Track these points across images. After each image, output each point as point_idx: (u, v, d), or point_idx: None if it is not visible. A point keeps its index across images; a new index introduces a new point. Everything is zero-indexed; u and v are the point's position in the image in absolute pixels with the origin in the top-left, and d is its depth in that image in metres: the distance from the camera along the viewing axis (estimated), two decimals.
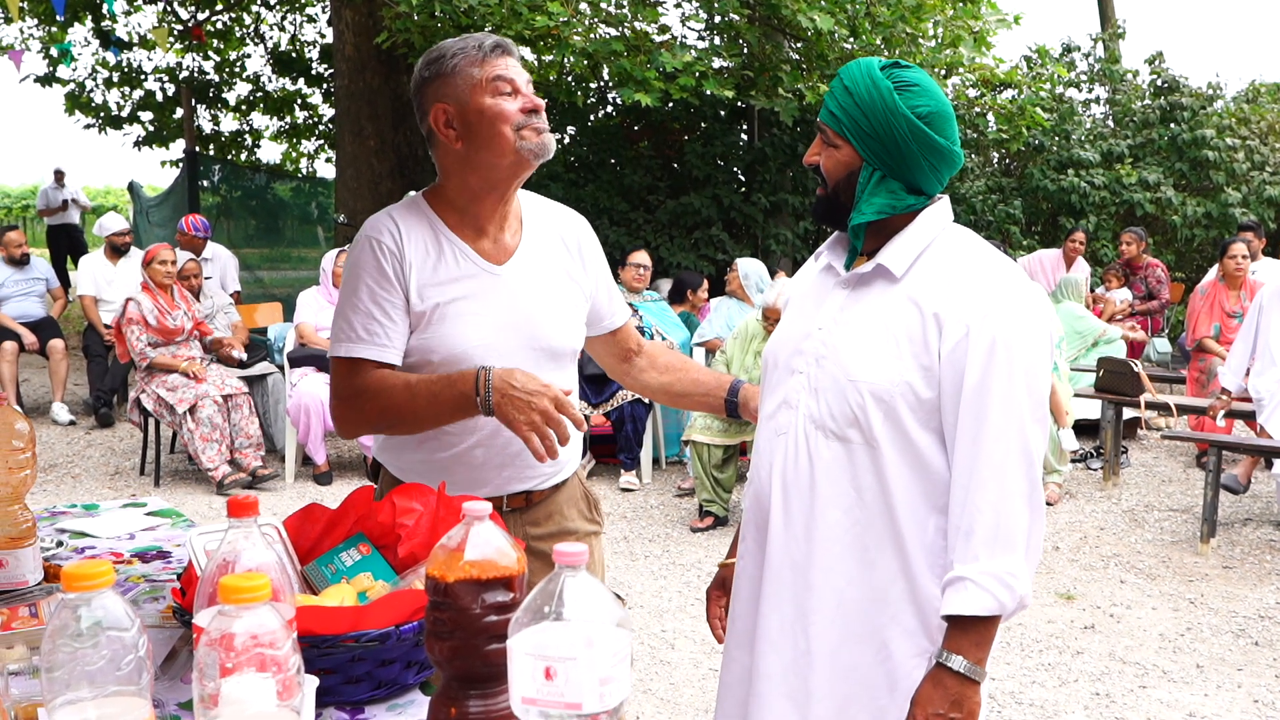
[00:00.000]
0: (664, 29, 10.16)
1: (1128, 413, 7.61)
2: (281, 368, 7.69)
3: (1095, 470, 7.64)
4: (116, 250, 9.07)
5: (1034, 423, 1.83)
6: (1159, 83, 13.20)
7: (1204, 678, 4.38)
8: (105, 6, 10.29)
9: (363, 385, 2.14)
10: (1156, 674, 4.41)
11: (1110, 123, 13.55)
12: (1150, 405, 7.12)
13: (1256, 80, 13.85)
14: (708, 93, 9.31)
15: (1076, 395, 7.30)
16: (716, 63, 9.94)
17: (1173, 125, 12.67)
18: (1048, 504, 6.76)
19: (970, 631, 1.80)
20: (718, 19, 10.23)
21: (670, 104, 10.64)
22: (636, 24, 9.92)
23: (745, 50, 10.00)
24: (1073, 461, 7.70)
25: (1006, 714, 4.05)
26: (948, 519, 1.86)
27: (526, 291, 2.23)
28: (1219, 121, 12.56)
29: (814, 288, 2.07)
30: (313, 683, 1.44)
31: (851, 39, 9.64)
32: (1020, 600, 1.80)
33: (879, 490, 1.88)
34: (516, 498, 2.29)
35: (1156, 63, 13.33)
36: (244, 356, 7.61)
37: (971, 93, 12.19)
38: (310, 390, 6.98)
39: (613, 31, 9.69)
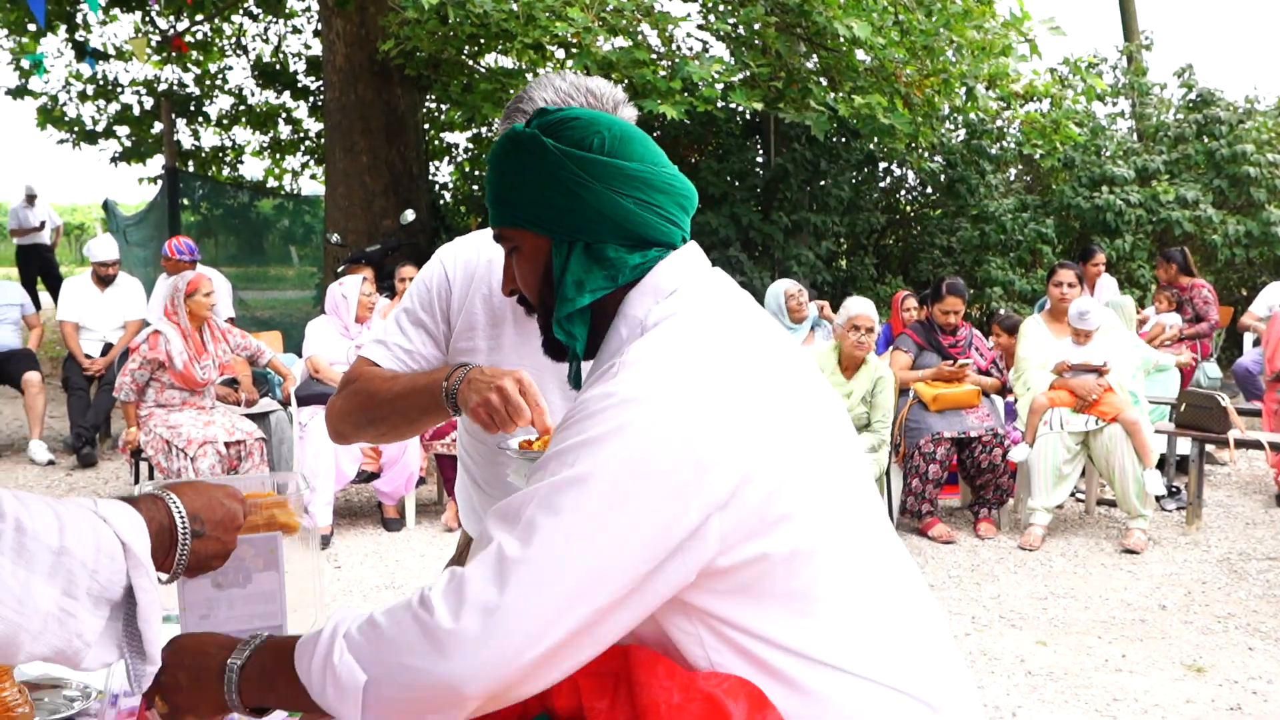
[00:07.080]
0: (668, 40, 9.63)
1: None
2: (284, 403, 6.99)
3: (1169, 512, 7.04)
4: (102, 280, 8.33)
5: None
6: (1192, 96, 12.69)
7: None
8: (88, 6, 9.62)
9: (355, 374, 2.18)
10: None
11: (1135, 137, 13.02)
12: (1241, 443, 6.54)
13: None
14: (733, 105, 8.73)
15: (1156, 432, 6.70)
16: (741, 74, 9.34)
17: (1208, 140, 12.15)
18: (1133, 551, 6.16)
19: None
20: (740, 29, 9.60)
21: (687, 119, 10.06)
22: (644, 29, 9.32)
23: (774, 61, 9.40)
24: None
25: None
26: None
27: None
28: (1258, 136, 12.01)
29: None
30: None
31: (885, 47, 9.03)
32: None
33: None
34: None
35: (1186, 75, 12.83)
36: (254, 397, 6.93)
37: (994, 105, 11.61)
38: (322, 433, 6.28)
39: (622, 41, 9.09)
